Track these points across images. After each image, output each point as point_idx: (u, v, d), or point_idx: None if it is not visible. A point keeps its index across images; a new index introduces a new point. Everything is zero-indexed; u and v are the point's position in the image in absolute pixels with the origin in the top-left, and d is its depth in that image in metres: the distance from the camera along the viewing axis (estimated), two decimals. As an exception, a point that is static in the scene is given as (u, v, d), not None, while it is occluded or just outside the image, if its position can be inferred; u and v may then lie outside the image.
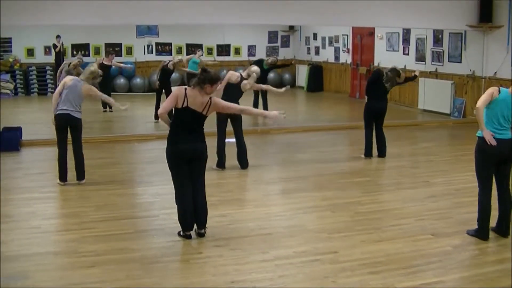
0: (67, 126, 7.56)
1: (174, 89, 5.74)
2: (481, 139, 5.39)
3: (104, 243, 5.47)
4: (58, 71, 12.80)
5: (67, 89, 7.49)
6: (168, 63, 13.09)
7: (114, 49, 18.38)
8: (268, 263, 5.01)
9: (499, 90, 5.34)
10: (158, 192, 7.31)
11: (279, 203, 7.00)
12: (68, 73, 7.89)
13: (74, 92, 7.48)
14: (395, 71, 9.20)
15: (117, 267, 4.93)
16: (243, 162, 8.59)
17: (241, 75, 8.44)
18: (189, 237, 5.57)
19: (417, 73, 10.23)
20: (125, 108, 8.13)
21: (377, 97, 9.21)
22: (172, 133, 5.49)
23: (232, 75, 8.37)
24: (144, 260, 5.08)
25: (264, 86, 9.55)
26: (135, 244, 5.48)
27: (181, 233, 5.62)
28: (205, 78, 5.38)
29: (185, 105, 5.36)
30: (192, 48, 19.38)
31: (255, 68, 8.61)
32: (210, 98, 5.46)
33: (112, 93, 14.97)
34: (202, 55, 16.40)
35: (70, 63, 12.13)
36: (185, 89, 5.41)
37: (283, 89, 9.53)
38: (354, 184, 7.77)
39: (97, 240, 5.57)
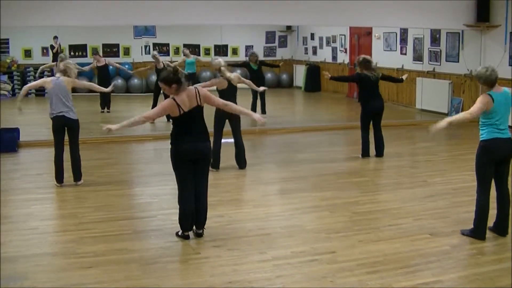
0: (64, 128, 7.56)
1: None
2: (487, 142, 5.37)
3: (102, 244, 5.47)
4: (42, 68, 13.93)
5: (51, 92, 7.47)
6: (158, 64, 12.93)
7: (112, 49, 18.34)
8: (266, 263, 5.01)
9: (492, 97, 5.31)
10: (156, 193, 7.30)
11: (277, 203, 6.99)
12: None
13: (58, 90, 7.45)
14: (366, 61, 9.16)
15: (116, 267, 4.93)
16: (241, 162, 8.58)
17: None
18: (188, 237, 5.57)
19: (404, 77, 9.96)
20: (111, 88, 8.69)
21: (372, 97, 9.22)
22: (175, 133, 5.47)
23: (220, 83, 8.30)
24: (143, 260, 5.08)
25: (246, 81, 9.48)
26: (134, 244, 5.48)
27: (179, 233, 5.62)
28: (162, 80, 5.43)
29: (181, 112, 5.36)
30: (189, 49, 19.35)
31: (218, 60, 8.40)
32: (196, 88, 5.46)
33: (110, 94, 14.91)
34: (190, 53, 15.66)
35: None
36: (173, 99, 5.37)
37: (261, 89, 9.84)
38: (353, 184, 7.78)
39: (96, 241, 5.57)
